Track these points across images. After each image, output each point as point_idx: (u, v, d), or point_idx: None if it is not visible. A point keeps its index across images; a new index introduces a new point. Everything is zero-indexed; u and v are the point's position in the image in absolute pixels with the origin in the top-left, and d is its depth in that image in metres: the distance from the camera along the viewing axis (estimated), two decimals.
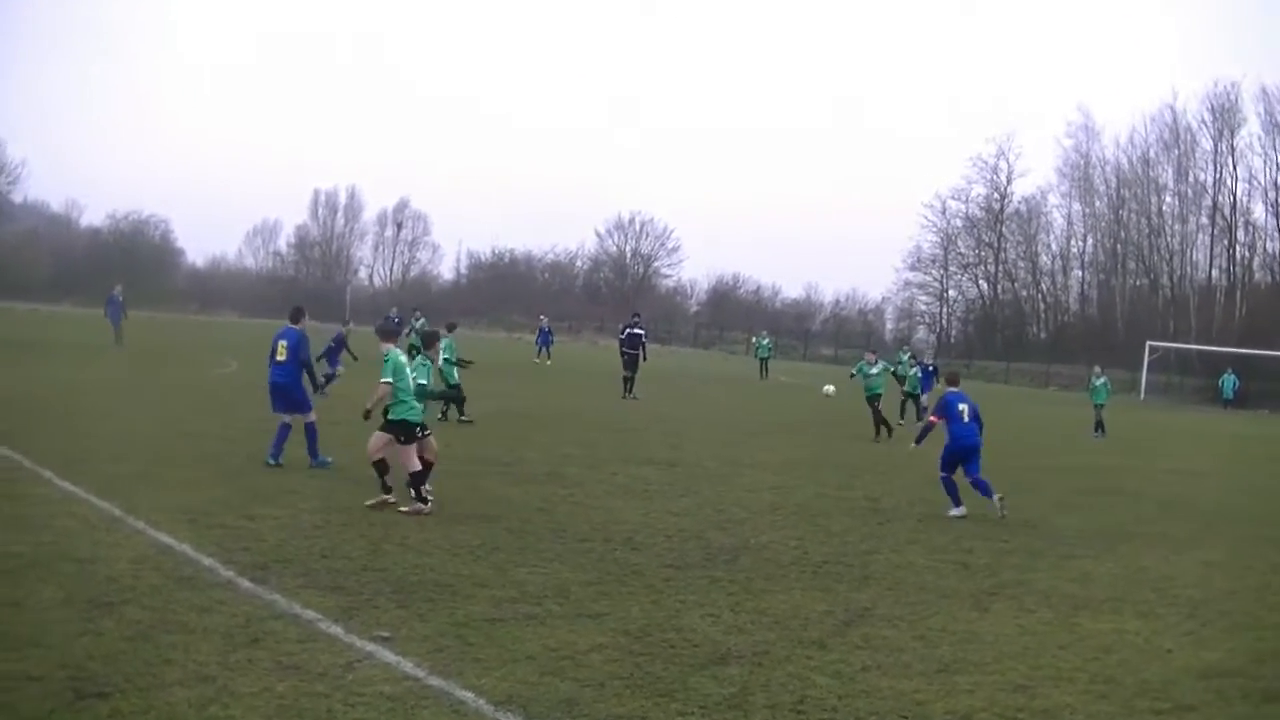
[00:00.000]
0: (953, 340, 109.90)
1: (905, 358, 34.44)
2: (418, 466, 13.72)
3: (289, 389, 16.62)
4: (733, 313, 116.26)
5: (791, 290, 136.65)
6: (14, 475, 14.16)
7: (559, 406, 30.23)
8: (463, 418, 23.93)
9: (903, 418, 31.52)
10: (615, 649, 8.65)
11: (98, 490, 13.33)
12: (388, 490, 13.72)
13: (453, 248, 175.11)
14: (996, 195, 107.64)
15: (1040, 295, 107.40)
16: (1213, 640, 10.04)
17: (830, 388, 32.53)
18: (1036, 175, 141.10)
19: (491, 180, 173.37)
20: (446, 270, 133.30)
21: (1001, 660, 8.96)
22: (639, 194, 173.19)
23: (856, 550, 13.20)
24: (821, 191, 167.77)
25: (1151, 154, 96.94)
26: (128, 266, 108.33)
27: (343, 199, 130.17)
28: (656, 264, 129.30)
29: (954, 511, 16.14)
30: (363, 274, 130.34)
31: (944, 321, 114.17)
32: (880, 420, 27.88)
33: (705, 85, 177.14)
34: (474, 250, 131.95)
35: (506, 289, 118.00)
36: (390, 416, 13.84)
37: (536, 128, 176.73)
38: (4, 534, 10.85)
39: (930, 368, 33.34)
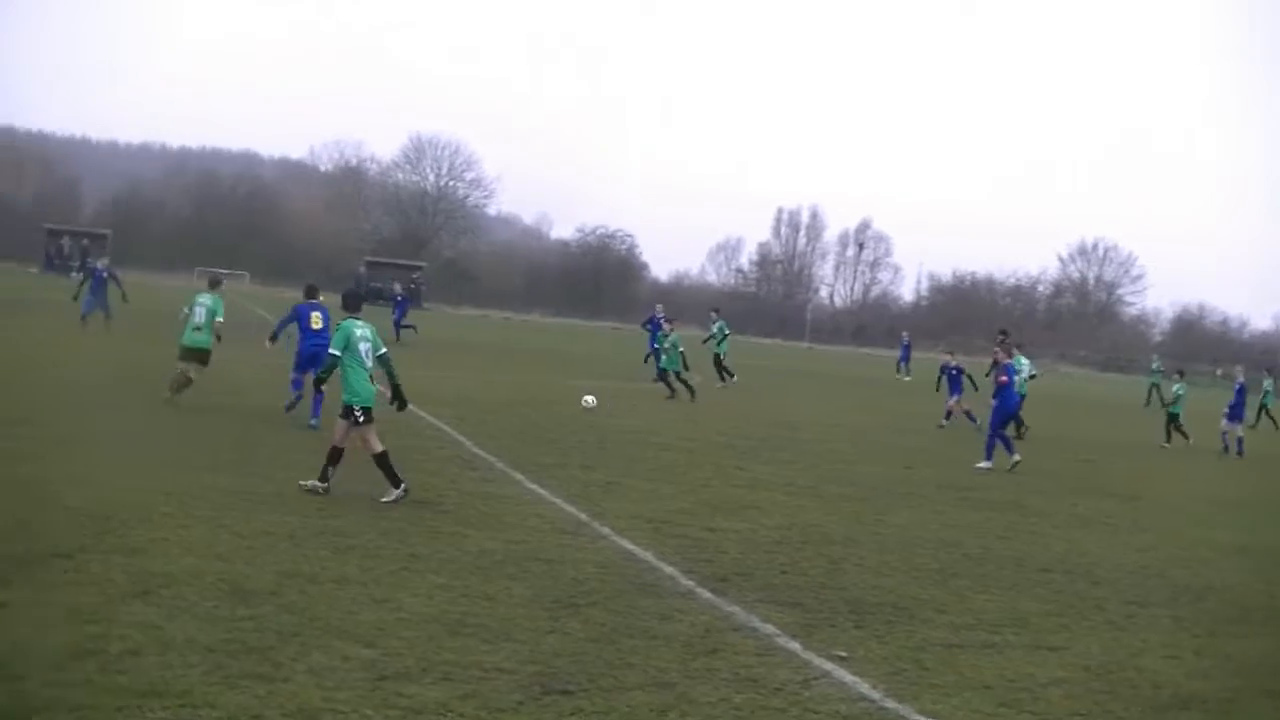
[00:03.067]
0: None
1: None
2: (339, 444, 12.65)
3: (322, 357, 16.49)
4: (1198, 343, 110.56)
5: (1260, 322, 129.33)
6: (488, 476, 14.97)
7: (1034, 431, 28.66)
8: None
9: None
10: (1074, 684, 8.27)
11: (565, 495, 13.90)
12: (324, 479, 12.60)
13: (913, 269, 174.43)
14: None
15: None
16: None
17: (589, 399, 24.65)
18: None
19: (954, 203, 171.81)
20: (907, 292, 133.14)
21: None
22: (1100, 217, 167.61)
23: None
24: None
25: None
26: (595, 279, 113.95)
27: (805, 218, 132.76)
28: (1119, 291, 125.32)
29: None
30: (823, 292, 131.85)
31: None
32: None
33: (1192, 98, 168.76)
34: (935, 272, 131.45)
35: (966, 312, 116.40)
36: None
37: (1008, 151, 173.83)
38: (480, 532, 11.47)
39: (954, 369, 28.76)
